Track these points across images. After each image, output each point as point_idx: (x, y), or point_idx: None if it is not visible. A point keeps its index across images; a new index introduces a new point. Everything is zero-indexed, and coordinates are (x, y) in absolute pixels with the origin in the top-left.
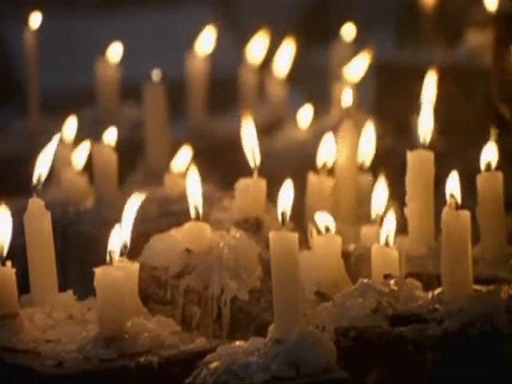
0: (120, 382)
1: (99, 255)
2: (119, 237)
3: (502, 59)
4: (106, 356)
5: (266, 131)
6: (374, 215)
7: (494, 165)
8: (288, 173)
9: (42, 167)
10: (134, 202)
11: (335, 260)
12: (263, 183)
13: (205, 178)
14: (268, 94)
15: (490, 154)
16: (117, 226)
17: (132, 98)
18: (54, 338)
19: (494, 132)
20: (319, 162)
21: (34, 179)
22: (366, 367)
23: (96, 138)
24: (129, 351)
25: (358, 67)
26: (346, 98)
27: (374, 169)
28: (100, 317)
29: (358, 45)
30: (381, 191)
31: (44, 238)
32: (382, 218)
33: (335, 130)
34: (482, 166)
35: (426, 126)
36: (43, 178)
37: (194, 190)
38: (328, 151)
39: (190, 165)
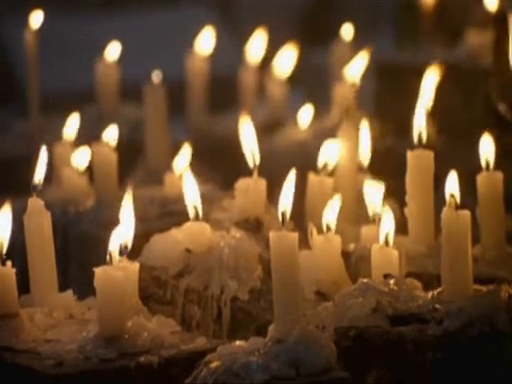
0: (120, 382)
1: (99, 255)
2: (119, 237)
3: (502, 59)
4: (106, 356)
5: (266, 131)
6: (370, 214)
7: (491, 161)
8: (288, 173)
9: (40, 169)
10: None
11: (335, 260)
12: (263, 183)
13: (205, 177)
14: (268, 93)
15: (487, 150)
16: (117, 225)
17: (132, 98)
18: (54, 338)
19: (493, 131)
20: (320, 164)
21: (34, 179)
22: (366, 367)
23: (96, 138)
24: (129, 351)
25: (357, 67)
26: (347, 98)
27: (374, 169)
28: (100, 317)
29: (357, 45)
30: (376, 190)
31: (44, 237)
32: (379, 217)
33: (335, 130)
34: (482, 163)
35: (420, 123)
36: (41, 180)
37: (192, 191)
38: (329, 154)
39: (188, 165)
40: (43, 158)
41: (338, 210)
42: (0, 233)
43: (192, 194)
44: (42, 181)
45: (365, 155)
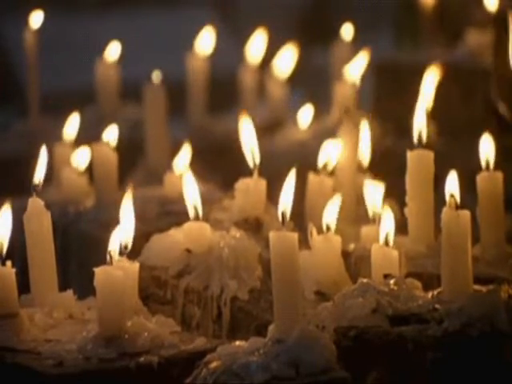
0: (120, 382)
1: (99, 255)
2: (119, 237)
3: (502, 59)
4: (106, 356)
5: (266, 131)
6: (370, 214)
7: (491, 161)
8: (288, 173)
9: (40, 169)
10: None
11: (335, 260)
12: (263, 183)
13: (205, 177)
14: (268, 93)
15: (487, 150)
16: (117, 225)
17: (132, 98)
18: (54, 338)
19: (493, 131)
20: (320, 164)
21: (35, 179)
22: (366, 367)
23: (96, 138)
24: (129, 351)
25: (357, 67)
26: (347, 98)
27: (374, 169)
28: (100, 316)
29: (357, 45)
30: (376, 190)
31: (44, 237)
32: (379, 217)
33: (335, 130)
34: (482, 163)
35: (420, 124)
36: (41, 180)
37: (192, 190)
38: (329, 154)
39: (188, 165)
40: (43, 158)
41: (337, 209)
42: (0, 233)
43: (192, 194)
44: (42, 181)
45: (365, 155)
